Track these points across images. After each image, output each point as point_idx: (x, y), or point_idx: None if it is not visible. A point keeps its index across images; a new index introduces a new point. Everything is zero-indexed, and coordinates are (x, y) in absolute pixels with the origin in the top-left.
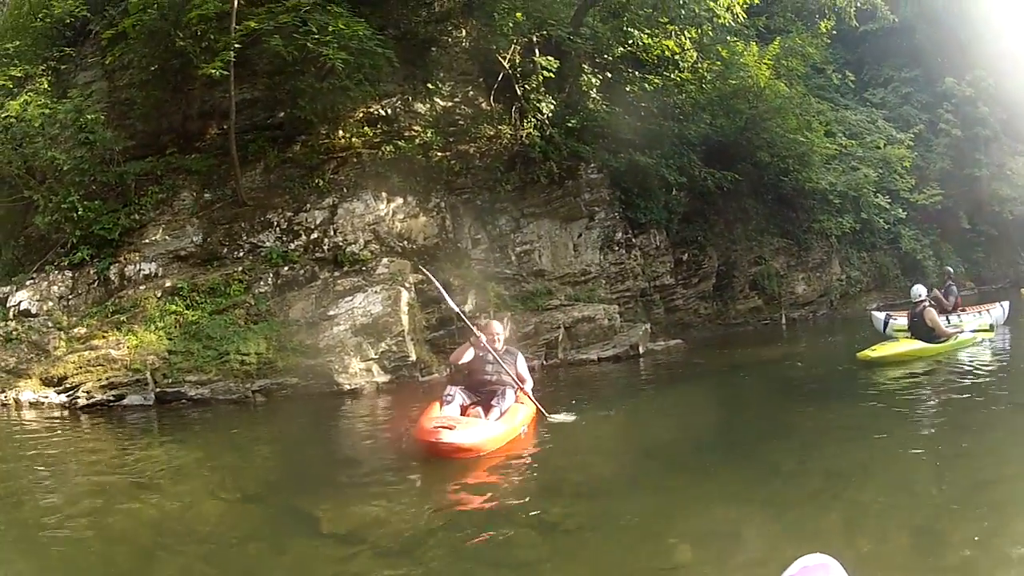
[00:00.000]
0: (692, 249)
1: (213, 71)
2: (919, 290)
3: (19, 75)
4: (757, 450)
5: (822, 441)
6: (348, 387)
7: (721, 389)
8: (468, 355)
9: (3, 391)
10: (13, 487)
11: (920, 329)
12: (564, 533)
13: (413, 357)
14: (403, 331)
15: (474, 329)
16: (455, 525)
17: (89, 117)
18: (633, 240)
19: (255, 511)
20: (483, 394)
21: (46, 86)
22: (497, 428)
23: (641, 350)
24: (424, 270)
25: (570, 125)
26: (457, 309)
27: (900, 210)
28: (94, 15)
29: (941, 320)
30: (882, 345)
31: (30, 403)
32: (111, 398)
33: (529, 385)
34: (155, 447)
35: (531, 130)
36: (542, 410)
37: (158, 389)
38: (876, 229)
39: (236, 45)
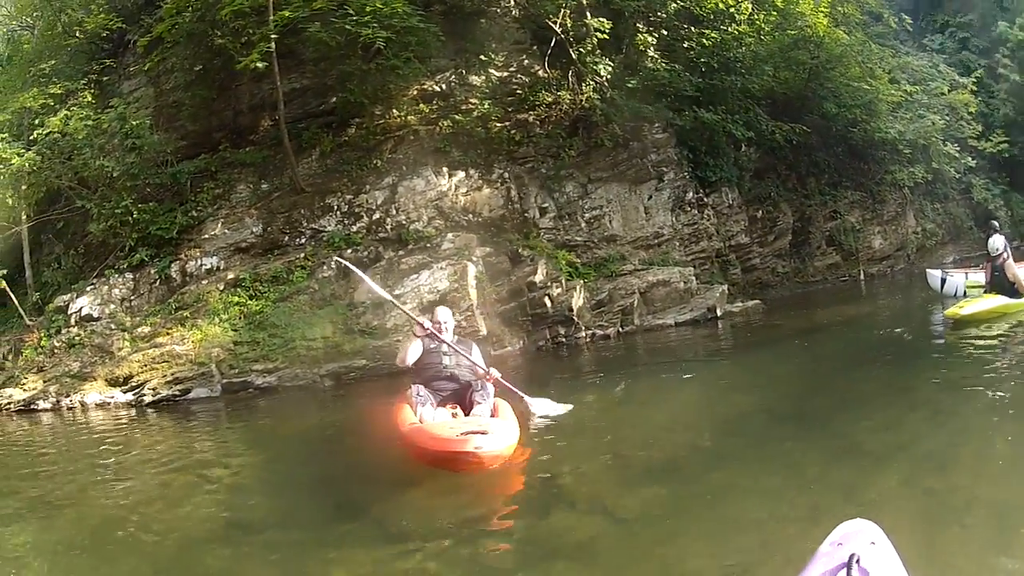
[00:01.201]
0: (766, 206)
1: (252, 64)
2: (998, 242)
3: (59, 92)
4: (838, 425)
5: (906, 415)
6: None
7: (801, 353)
8: (416, 349)
9: (68, 395)
10: (80, 483)
11: (1002, 284)
12: (630, 517)
13: (484, 331)
14: (472, 305)
15: (414, 318)
16: (514, 513)
17: (134, 123)
18: (705, 199)
19: (314, 502)
20: (448, 391)
21: (90, 99)
22: (515, 427)
23: (719, 312)
24: (341, 259)
25: (630, 86)
26: (389, 297)
27: (969, 158)
28: (130, 25)
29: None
30: (968, 301)
31: (96, 404)
32: (177, 393)
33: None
34: (220, 439)
35: (591, 94)
36: (526, 397)
37: (224, 380)
38: (947, 179)
39: (274, 36)
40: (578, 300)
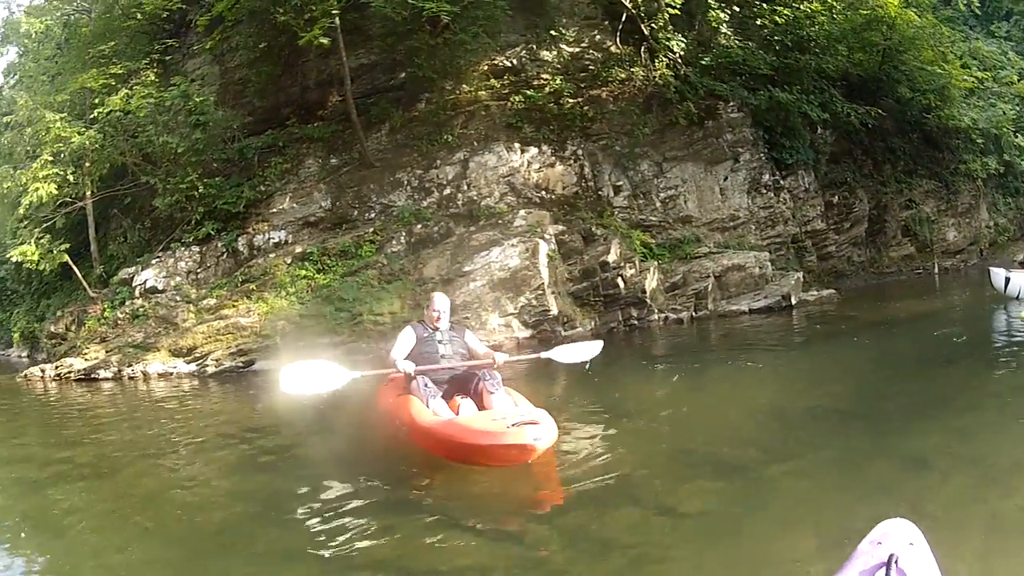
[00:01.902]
0: (842, 191)
1: (316, 41)
2: None
3: (121, 72)
4: (905, 429)
5: (976, 425)
6: (487, 343)
7: (874, 350)
8: (404, 347)
9: (130, 365)
10: (133, 449)
11: None
12: (688, 515)
13: (555, 311)
14: (543, 284)
15: (396, 371)
16: (570, 504)
17: (198, 100)
18: (781, 182)
19: (362, 481)
20: (447, 382)
21: (153, 78)
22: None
23: (793, 301)
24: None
25: (704, 63)
26: (357, 374)
27: None
28: (191, 5)
29: None
30: None
31: (159, 374)
32: (240, 364)
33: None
34: (278, 411)
35: (664, 70)
36: (542, 355)
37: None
38: (1018, 172)
39: (335, 12)
40: (652, 282)
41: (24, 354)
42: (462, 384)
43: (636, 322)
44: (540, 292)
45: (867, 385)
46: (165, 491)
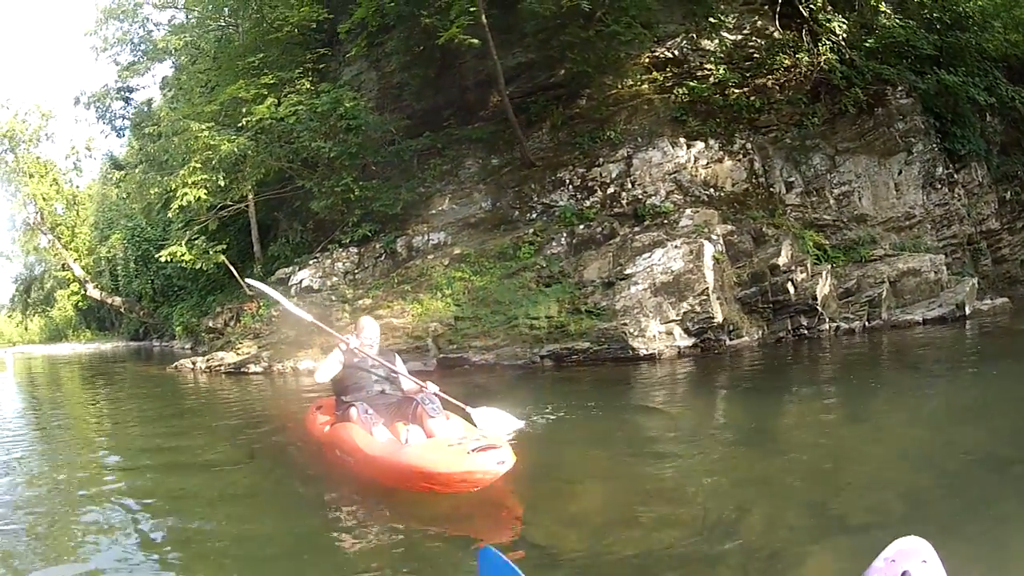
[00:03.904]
0: (1014, 186)
1: (464, 41)
2: None
3: (272, 82)
4: None
5: None
6: (645, 352)
7: None
8: (333, 366)
9: (280, 361)
10: (260, 441)
11: None
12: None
13: (719, 318)
14: (707, 289)
15: (338, 336)
16: (660, 550)
17: (348, 105)
18: (954, 176)
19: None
20: (383, 409)
21: (308, 86)
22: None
23: (967, 310)
24: (253, 282)
25: (868, 45)
26: (309, 317)
27: None
28: (340, 15)
29: None
30: None
31: (308, 371)
32: None
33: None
34: None
35: (828, 54)
36: (467, 408)
37: (441, 355)
38: None
39: (472, 8)
40: (824, 287)
41: (188, 346)
42: (400, 410)
43: (806, 331)
44: (704, 297)
45: None
46: (285, 486)
